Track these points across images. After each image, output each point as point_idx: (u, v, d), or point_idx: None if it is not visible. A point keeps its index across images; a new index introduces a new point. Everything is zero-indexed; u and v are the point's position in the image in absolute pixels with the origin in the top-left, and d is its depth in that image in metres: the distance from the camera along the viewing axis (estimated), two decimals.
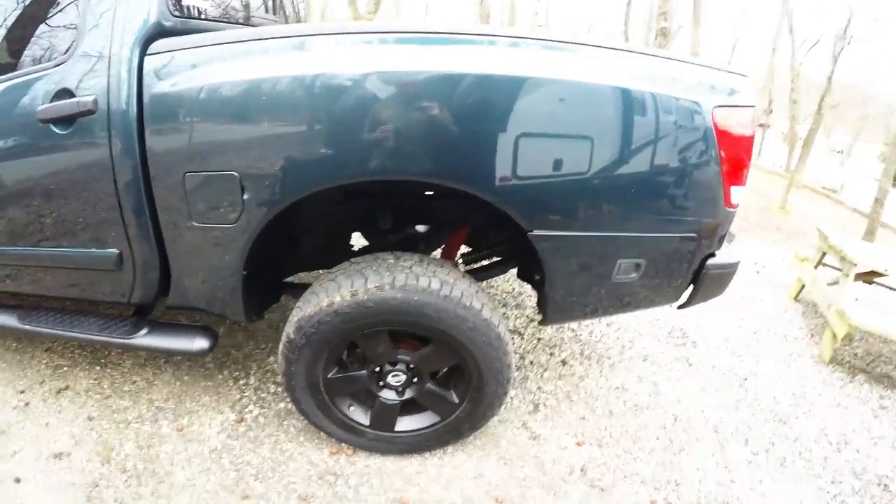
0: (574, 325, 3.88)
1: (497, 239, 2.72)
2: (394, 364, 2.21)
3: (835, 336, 3.88)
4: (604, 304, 2.24)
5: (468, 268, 2.92)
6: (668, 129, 1.90)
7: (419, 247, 2.82)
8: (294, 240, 2.52)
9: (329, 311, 1.98)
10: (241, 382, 2.95)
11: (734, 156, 1.99)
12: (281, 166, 1.83)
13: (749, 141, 2.02)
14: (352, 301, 1.95)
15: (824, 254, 4.78)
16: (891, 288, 4.94)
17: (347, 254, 2.77)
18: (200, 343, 2.36)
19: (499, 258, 2.81)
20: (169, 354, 2.69)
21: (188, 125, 1.84)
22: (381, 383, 2.27)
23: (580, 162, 1.86)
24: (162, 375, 2.97)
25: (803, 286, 4.95)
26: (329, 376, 2.22)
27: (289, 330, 2.09)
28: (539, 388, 3.13)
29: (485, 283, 4.04)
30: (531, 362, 3.35)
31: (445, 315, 1.97)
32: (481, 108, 1.75)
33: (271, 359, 3.17)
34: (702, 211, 2.06)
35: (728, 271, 2.32)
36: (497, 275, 2.85)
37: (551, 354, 3.46)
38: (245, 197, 1.90)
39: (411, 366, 2.22)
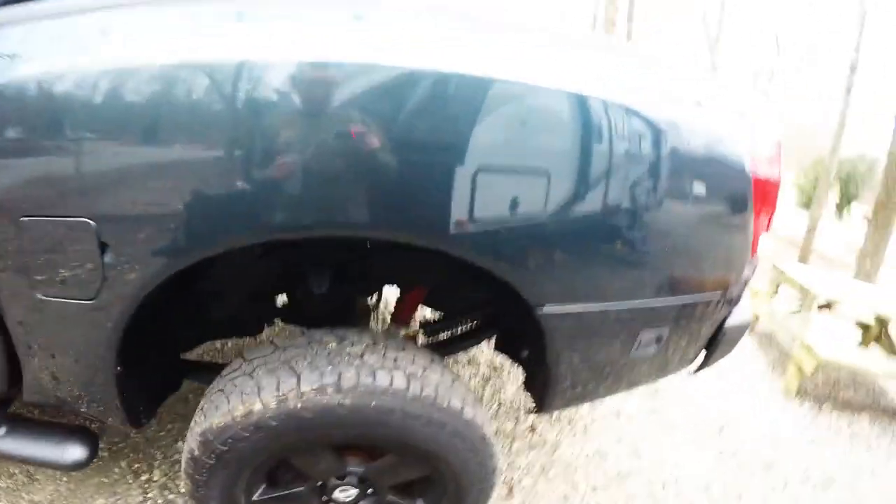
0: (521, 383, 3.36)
1: (471, 300, 2.12)
2: (342, 477, 1.58)
3: (800, 370, 3.85)
4: (613, 385, 1.73)
5: (430, 340, 2.28)
6: (704, 168, 1.45)
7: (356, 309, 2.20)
8: (197, 304, 1.85)
9: (246, 423, 1.36)
10: (144, 478, 2.26)
11: (768, 197, 1.61)
12: (159, 212, 1.20)
13: (779, 177, 1.65)
14: (279, 410, 1.34)
15: (778, 286, 4.63)
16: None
17: (271, 315, 2.13)
18: (74, 453, 1.67)
19: (470, 325, 2.20)
20: (31, 464, 1.96)
21: (21, 141, 1.19)
22: (326, 499, 1.62)
23: (618, 211, 1.37)
24: (45, 469, 2.22)
25: (757, 318, 4.77)
26: (255, 498, 1.57)
27: (192, 444, 1.45)
28: (510, 464, 2.59)
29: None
30: (496, 432, 2.78)
31: (415, 423, 1.39)
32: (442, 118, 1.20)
33: (180, 444, 2.47)
34: (732, 264, 1.65)
35: (744, 330, 1.95)
36: (468, 347, 2.24)
37: (517, 420, 2.91)
38: (106, 259, 1.24)
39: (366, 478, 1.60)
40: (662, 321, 1.61)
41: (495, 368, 3.43)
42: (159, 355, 1.69)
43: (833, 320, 4.70)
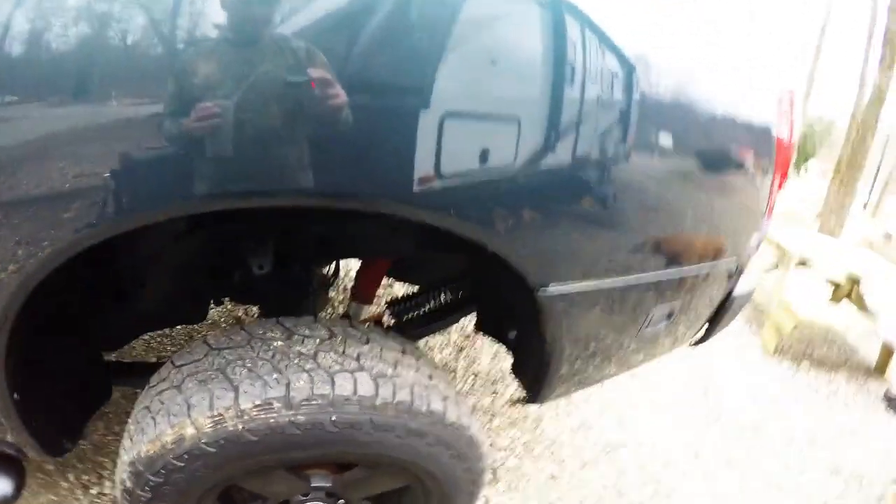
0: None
1: (446, 271, 1.81)
2: (306, 495, 1.28)
3: (778, 329, 3.81)
4: (616, 368, 1.46)
5: (398, 320, 1.89)
6: (735, 131, 1.24)
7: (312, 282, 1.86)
8: (116, 294, 1.48)
9: (178, 451, 1.05)
10: (94, 492, 1.92)
11: (786, 161, 1.42)
12: (41, 185, 0.82)
13: (792, 132, 1.45)
14: (217, 435, 1.03)
15: None
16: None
17: (213, 297, 1.79)
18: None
19: (445, 300, 1.84)
20: None
21: None
22: None
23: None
24: None
25: None
26: None
27: (122, 474, 1.13)
28: (491, 444, 2.32)
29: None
30: (473, 407, 2.52)
31: (389, 436, 1.10)
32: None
33: None
34: (749, 228, 1.44)
35: (748, 298, 1.75)
36: (445, 327, 1.90)
37: (494, 393, 2.65)
38: None
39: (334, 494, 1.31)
40: (676, 293, 1.34)
41: (468, 337, 3.14)
42: (72, 365, 1.35)
43: (805, 278, 4.56)
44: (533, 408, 2.60)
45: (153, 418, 1.08)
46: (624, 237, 1.14)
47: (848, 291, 4.03)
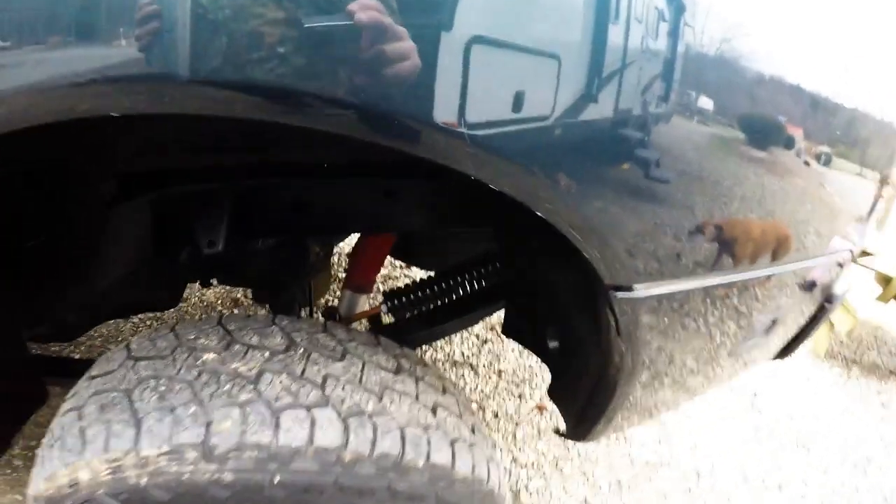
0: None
1: (468, 253, 1.35)
2: None
3: (833, 330, 3.19)
4: (691, 393, 1.05)
5: (399, 318, 1.38)
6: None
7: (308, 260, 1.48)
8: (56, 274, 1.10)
9: (75, 499, 0.69)
10: None
11: None
12: None
13: None
14: (115, 486, 0.67)
15: None
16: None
17: (185, 279, 1.46)
18: None
19: (463, 294, 1.33)
20: None
21: None
22: None
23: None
24: None
25: None
26: None
27: None
28: (514, 459, 1.95)
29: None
30: (495, 414, 2.15)
31: (366, 502, 0.70)
32: None
33: None
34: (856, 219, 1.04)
35: (840, 300, 1.30)
36: (459, 329, 1.45)
37: (520, 397, 2.26)
38: None
39: None
40: (780, 294, 0.93)
41: (493, 328, 2.72)
42: None
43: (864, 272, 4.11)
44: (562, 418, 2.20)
45: (51, 449, 0.72)
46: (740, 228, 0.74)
47: None
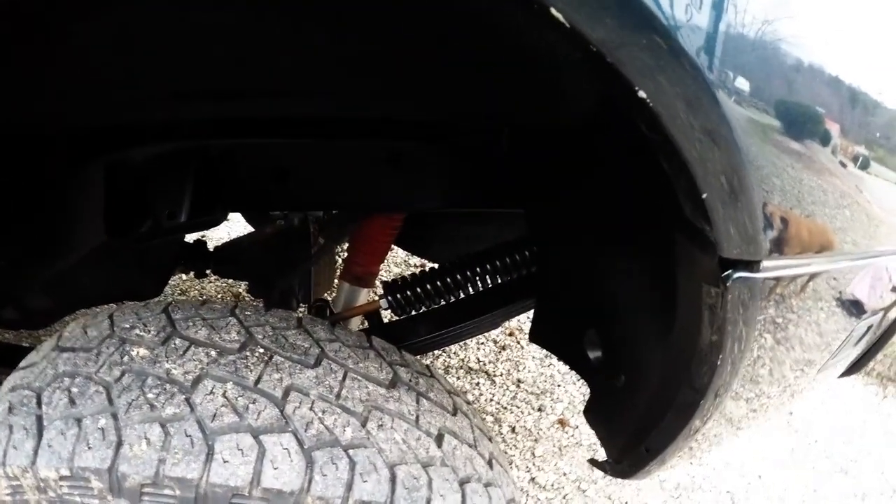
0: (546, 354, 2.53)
1: (490, 239, 1.08)
2: None
3: None
4: (774, 415, 0.84)
5: (402, 315, 1.10)
6: None
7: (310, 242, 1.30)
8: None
9: None
10: None
11: None
12: None
13: None
14: None
15: None
16: None
17: (171, 264, 1.32)
18: None
19: (482, 290, 1.07)
20: None
21: None
22: None
23: None
24: None
25: None
26: None
27: None
28: (533, 479, 1.73)
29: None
30: (512, 428, 1.93)
31: None
32: None
33: None
34: None
35: None
36: (477, 333, 1.21)
37: (540, 410, 2.04)
38: None
39: None
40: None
41: (511, 333, 2.48)
42: None
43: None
44: (585, 431, 1.98)
45: None
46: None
47: None
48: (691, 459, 0.85)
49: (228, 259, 1.37)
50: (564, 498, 1.70)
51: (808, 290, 0.52)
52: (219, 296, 2.28)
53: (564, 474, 1.78)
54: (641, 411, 0.70)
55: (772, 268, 0.45)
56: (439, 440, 0.58)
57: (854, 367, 1.16)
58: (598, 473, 1.84)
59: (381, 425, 0.54)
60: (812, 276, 0.51)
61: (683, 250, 0.49)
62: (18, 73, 0.61)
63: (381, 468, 0.50)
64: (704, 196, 0.41)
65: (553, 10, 0.34)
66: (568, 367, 0.94)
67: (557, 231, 0.84)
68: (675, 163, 0.41)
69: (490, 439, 0.72)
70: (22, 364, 0.62)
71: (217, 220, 0.87)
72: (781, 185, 0.45)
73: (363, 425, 0.53)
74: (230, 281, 2.33)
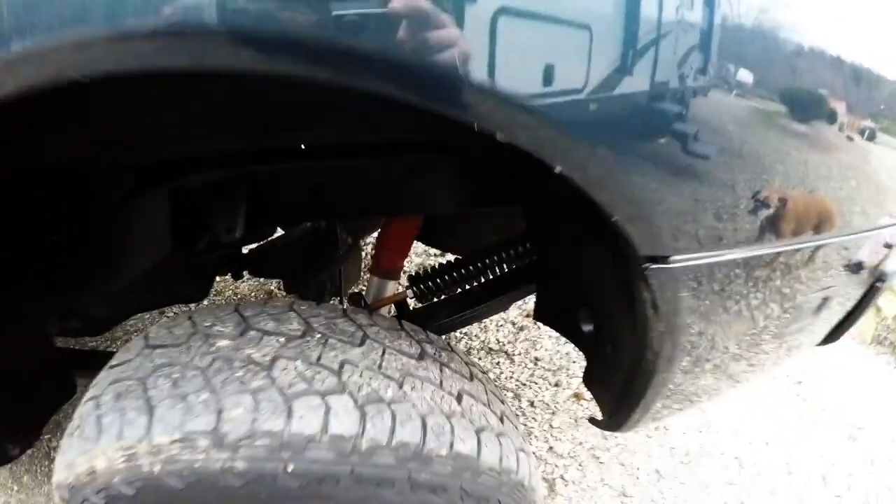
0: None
1: (497, 234, 1.28)
2: None
3: (878, 311, 2.92)
4: (729, 383, 0.97)
5: (425, 303, 1.30)
6: None
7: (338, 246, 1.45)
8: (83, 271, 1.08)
9: (94, 486, 0.67)
10: None
11: None
12: None
13: None
14: (130, 474, 0.64)
15: None
16: None
17: (215, 269, 1.45)
18: None
19: (493, 277, 1.26)
20: None
21: None
22: None
23: None
24: None
25: None
26: None
27: (56, 493, 0.77)
28: (550, 448, 1.88)
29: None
30: (531, 402, 2.07)
31: (384, 493, 0.67)
32: None
33: None
34: None
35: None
36: (490, 314, 1.38)
37: (557, 385, 2.18)
38: None
39: None
40: (832, 270, 0.86)
41: (528, 315, 2.61)
42: (16, 360, 1.00)
43: None
44: None
45: (71, 438, 0.70)
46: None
47: None
48: (671, 414, 0.99)
49: (265, 260, 1.52)
50: (580, 465, 1.83)
51: (718, 275, 0.66)
52: (251, 294, 2.45)
53: (580, 443, 1.91)
54: (624, 374, 0.85)
55: (679, 260, 0.59)
56: (459, 399, 0.74)
57: (834, 335, 1.28)
58: (612, 442, 1.97)
59: (414, 387, 0.70)
60: (715, 265, 0.66)
61: (623, 246, 0.63)
62: (106, 134, 0.77)
63: (414, 418, 0.66)
64: (615, 218, 0.56)
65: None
66: (566, 339, 1.10)
67: (545, 226, 0.99)
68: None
69: (502, 401, 0.88)
70: (114, 363, 0.78)
71: (267, 232, 1.03)
72: (670, 206, 0.59)
73: (400, 387, 0.69)
74: (261, 280, 2.50)
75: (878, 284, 1.12)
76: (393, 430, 0.64)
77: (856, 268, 0.95)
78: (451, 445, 0.68)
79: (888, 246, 1.04)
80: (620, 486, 1.78)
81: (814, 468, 2.08)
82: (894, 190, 0.88)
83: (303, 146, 0.92)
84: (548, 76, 0.47)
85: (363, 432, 0.62)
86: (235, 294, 2.53)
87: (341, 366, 0.68)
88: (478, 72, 0.45)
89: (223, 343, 0.69)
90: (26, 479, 1.73)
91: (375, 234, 1.64)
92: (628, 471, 1.84)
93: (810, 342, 1.16)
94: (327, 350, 0.69)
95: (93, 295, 1.15)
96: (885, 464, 2.18)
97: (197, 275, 1.34)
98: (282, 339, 0.70)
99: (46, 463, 1.75)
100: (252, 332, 0.71)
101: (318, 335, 0.71)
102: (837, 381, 2.71)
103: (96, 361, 1.24)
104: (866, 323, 3.14)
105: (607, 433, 1.99)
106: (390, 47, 0.43)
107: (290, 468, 0.61)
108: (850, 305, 1.12)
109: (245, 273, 1.55)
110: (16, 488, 1.71)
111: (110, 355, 1.06)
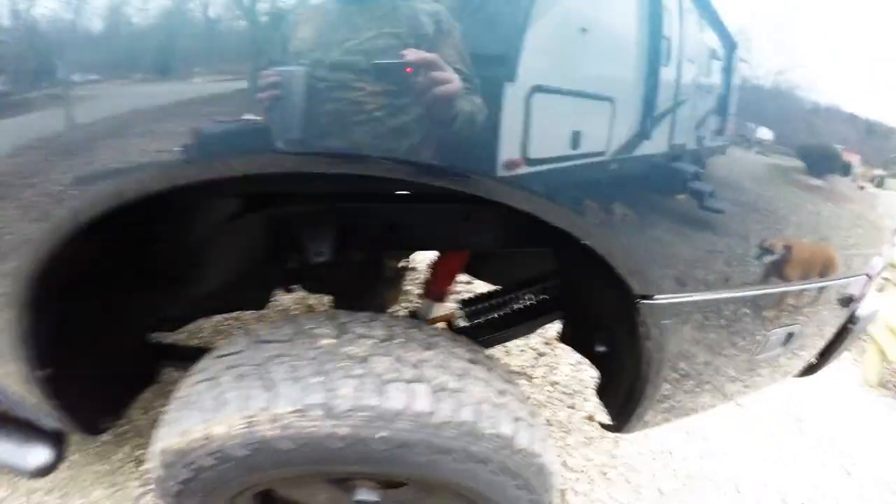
0: (578, 360, 2.82)
1: (532, 270, 1.54)
2: None
3: (884, 355, 3.13)
4: (716, 397, 1.18)
5: (471, 323, 1.59)
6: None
7: (383, 272, 1.67)
8: (168, 276, 1.31)
9: (207, 449, 0.89)
10: (145, 468, 1.81)
11: None
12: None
13: None
14: (248, 438, 0.86)
15: None
16: None
17: (275, 283, 1.63)
18: (38, 457, 1.23)
19: (526, 305, 1.54)
20: None
21: None
22: None
23: None
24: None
25: None
26: None
27: (154, 461, 0.98)
28: (564, 463, 2.06)
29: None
30: (548, 421, 2.27)
31: (445, 458, 0.89)
32: None
33: None
34: (878, 242, 1.15)
35: (869, 322, 1.41)
36: (522, 334, 1.64)
37: (572, 408, 2.37)
38: None
39: None
40: (798, 312, 1.06)
41: (548, 342, 2.84)
42: (113, 344, 1.20)
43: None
44: None
45: (185, 410, 0.92)
46: (744, 242, 0.88)
47: None
48: (665, 423, 1.20)
49: (318, 278, 1.74)
50: (590, 479, 2.01)
51: (693, 310, 0.89)
52: (293, 306, 2.69)
53: (590, 460, 2.10)
54: (626, 385, 1.07)
55: (663, 298, 0.82)
56: (501, 394, 0.96)
57: (812, 368, 1.47)
58: (620, 461, 2.14)
59: (469, 381, 0.92)
60: (692, 304, 0.88)
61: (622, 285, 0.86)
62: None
63: (471, 404, 0.88)
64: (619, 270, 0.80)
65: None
66: (584, 358, 1.32)
67: (568, 265, 1.22)
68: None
69: (529, 404, 1.10)
70: (222, 353, 0.99)
71: (350, 258, 1.27)
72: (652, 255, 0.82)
73: (460, 381, 0.91)
74: (303, 294, 2.73)
75: (849, 325, 1.32)
76: (456, 411, 0.86)
77: (829, 304, 1.15)
78: (497, 427, 0.90)
79: (856, 296, 1.24)
80: (625, 501, 1.96)
81: (807, 497, 2.21)
82: (862, 246, 1.09)
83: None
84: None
85: (436, 411, 0.85)
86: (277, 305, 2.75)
87: (418, 362, 0.90)
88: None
89: (327, 341, 0.92)
90: (76, 456, 1.84)
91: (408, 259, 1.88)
92: (633, 487, 2.02)
93: (788, 371, 1.35)
94: (407, 351, 0.92)
95: (182, 298, 1.37)
96: (874, 499, 2.29)
97: (262, 286, 1.56)
98: (372, 341, 0.93)
99: (96, 444, 1.90)
100: (348, 335, 0.94)
101: (400, 339, 0.94)
102: (837, 419, 2.82)
103: (175, 354, 1.45)
104: (872, 366, 3.24)
105: (615, 453, 2.17)
106: None
107: (380, 435, 0.83)
108: (820, 343, 1.31)
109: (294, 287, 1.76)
110: (63, 466, 1.82)
111: (190, 349, 1.26)
